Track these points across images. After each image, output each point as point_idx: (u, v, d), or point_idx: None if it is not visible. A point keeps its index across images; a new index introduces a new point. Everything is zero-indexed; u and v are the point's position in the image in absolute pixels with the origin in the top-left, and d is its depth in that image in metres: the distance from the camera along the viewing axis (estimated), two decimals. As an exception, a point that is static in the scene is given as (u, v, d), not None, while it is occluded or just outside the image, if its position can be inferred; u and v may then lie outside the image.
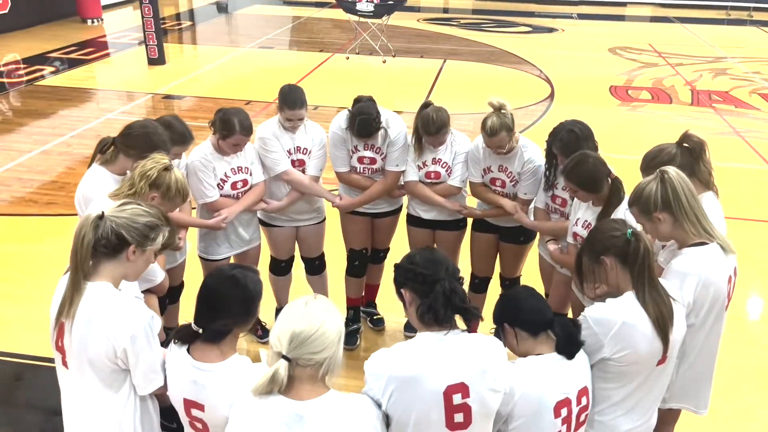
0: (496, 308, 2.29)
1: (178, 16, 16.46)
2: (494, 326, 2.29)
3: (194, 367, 1.99)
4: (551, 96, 10.00)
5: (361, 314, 4.44)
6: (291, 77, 9.11)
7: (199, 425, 2.03)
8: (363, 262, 4.18)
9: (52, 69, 10.92)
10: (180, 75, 10.66)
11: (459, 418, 1.91)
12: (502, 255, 3.99)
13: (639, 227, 2.50)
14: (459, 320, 2.04)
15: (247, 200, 3.71)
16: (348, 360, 4.15)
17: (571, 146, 3.22)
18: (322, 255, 4.24)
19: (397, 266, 2.11)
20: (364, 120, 3.64)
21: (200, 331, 2.01)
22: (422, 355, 1.94)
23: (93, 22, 14.69)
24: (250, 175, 3.72)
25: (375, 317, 4.48)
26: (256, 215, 3.94)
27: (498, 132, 3.44)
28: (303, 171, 3.85)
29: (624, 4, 19.63)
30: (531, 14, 17.80)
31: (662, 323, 2.19)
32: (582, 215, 3.18)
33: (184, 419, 2.08)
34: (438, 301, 1.96)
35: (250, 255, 3.90)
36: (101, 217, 2.07)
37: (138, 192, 2.72)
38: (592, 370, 2.24)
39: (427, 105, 3.72)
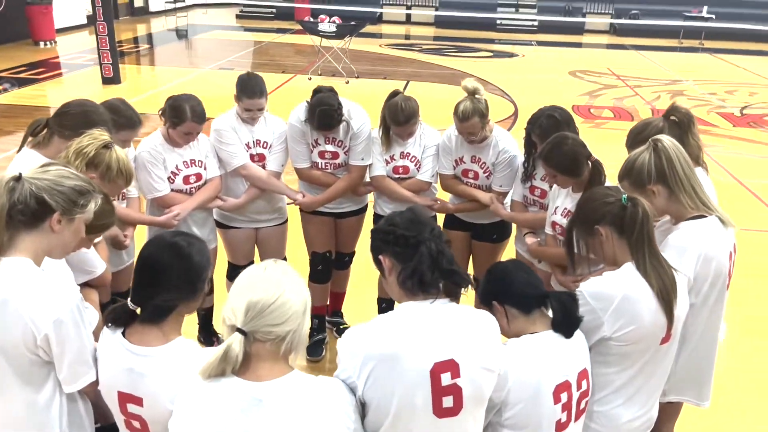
0: (483, 284, 2.02)
1: (135, 40, 16.11)
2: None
3: (131, 353, 1.67)
4: (515, 114, 9.96)
5: (326, 324, 4.13)
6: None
7: (136, 423, 1.69)
8: (327, 267, 3.89)
9: (0, 88, 10.44)
10: (136, 93, 10.27)
11: (448, 402, 1.62)
12: (475, 254, 3.75)
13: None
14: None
15: (201, 196, 3.41)
16: (313, 372, 3.80)
17: (552, 132, 3.02)
18: (284, 260, 3.94)
19: (374, 230, 1.83)
20: (324, 111, 3.38)
21: (138, 310, 1.69)
22: (405, 327, 1.65)
23: (46, 44, 14.27)
24: (204, 169, 3.43)
25: (341, 327, 4.18)
26: (212, 215, 3.64)
27: (470, 117, 3.24)
28: (263, 166, 3.58)
29: (581, 33, 20.07)
30: (491, 41, 18.01)
31: (666, 295, 1.96)
32: (561, 203, 2.98)
33: (119, 418, 1.73)
34: (423, 264, 1.68)
35: (204, 258, 3.57)
36: (18, 178, 1.74)
37: (73, 171, 2.38)
38: (590, 352, 1.99)
39: (395, 94, 3.50)
